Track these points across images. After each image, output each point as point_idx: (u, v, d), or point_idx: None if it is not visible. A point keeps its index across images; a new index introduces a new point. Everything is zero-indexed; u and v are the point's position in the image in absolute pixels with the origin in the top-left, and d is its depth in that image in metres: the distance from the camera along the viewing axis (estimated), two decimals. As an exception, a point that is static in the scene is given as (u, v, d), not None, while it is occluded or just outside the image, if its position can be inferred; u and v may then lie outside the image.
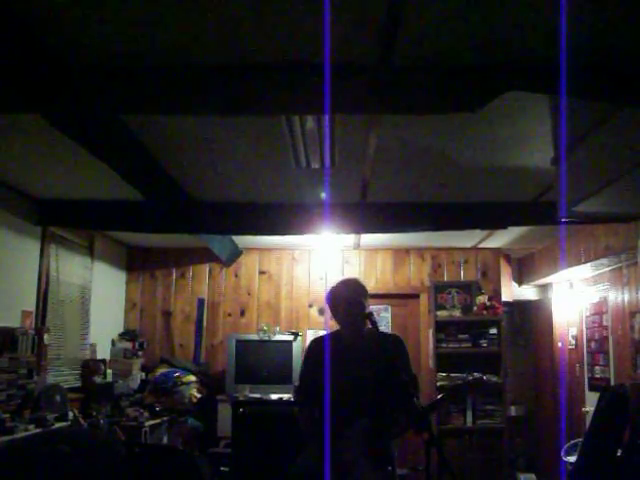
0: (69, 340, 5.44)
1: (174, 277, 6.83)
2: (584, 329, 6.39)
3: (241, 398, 5.92)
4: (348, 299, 2.90)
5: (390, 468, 2.81)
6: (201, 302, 6.62)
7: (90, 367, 5.57)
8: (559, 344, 6.98)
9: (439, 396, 2.96)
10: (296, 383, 3.19)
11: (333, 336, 3.01)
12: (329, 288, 3.04)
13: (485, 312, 6.39)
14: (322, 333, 3.19)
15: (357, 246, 6.62)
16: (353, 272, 6.64)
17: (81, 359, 5.60)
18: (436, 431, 5.69)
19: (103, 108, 2.72)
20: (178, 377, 6.00)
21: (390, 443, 2.87)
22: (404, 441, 5.82)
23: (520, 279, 7.49)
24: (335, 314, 2.97)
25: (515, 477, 6.75)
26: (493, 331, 6.34)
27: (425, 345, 6.61)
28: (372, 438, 2.69)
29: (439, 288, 6.60)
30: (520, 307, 7.68)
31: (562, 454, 5.25)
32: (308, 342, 3.34)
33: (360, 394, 2.79)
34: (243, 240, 6.30)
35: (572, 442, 5.32)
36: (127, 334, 6.45)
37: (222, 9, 2.12)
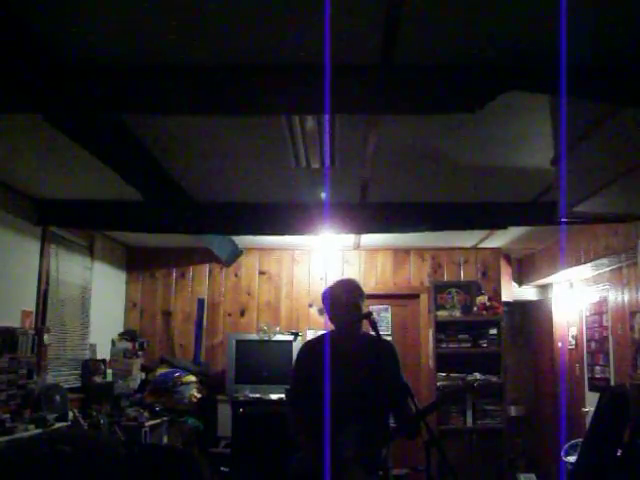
0: (69, 340, 5.45)
1: (174, 277, 6.83)
2: (584, 329, 6.39)
3: (241, 398, 5.92)
4: (345, 300, 2.87)
5: (381, 473, 2.79)
6: (201, 302, 6.61)
7: (90, 367, 5.57)
8: (559, 344, 6.98)
9: (431, 402, 2.96)
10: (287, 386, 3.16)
11: (327, 338, 2.99)
12: (326, 288, 3.01)
13: (485, 312, 6.39)
14: (321, 333, 3.17)
15: (357, 246, 6.62)
16: (353, 272, 6.64)
17: (81, 359, 5.60)
18: (436, 431, 5.69)
19: (103, 108, 2.72)
20: (178, 377, 6.00)
21: (381, 448, 2.85)
22: (404, 442, 5.82)
23: (520, 279, 7.49)
24: (331, 315, 2.93)
25: (515, 477, 6.75)
26: (493, 331, 6.33)
27: (425, 345, 6.61)
28: (363, 443, 2.68)
29: (439, 288, 6.59)
30: (520, 307, 7.68)
31: (562, 454, 5.26)
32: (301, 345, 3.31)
33: (352, 398, 2.77)
34: (243, 240, 6.30)
35: (572, 442, 5.33)
36: (127, 334, 6.45)
37: (222, 9, 2.12)
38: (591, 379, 6.17)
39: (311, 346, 3.03)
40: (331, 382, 2.70)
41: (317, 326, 6.47)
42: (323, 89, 2.37)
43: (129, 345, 6.30)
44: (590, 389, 6.16)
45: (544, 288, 7.48)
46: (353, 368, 2.84)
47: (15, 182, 4.38)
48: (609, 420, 4.21)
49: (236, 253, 6.68)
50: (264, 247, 6.71)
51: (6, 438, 3.79)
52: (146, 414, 5.43)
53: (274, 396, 5.88)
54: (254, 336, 6.37)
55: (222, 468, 5.10)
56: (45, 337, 4.77)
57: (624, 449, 4.04)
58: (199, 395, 6.01)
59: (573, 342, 6.64)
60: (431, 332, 6.40)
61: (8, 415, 4.05)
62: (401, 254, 6.82)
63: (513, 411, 7.03)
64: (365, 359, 2.87)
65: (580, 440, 4.93)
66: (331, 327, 3.00)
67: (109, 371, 5.88)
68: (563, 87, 2.27)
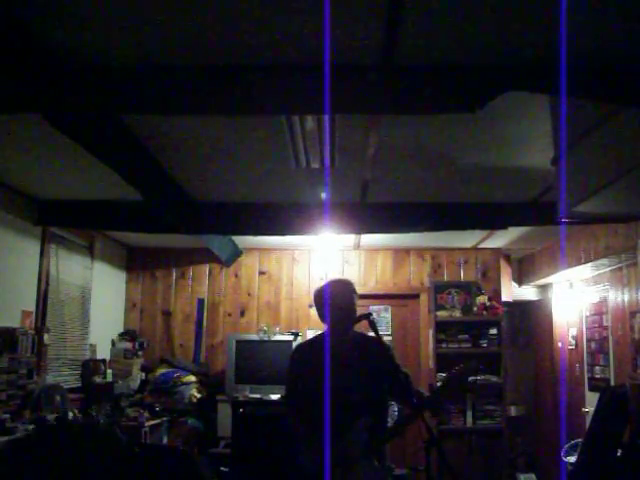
0: (69, 340, 5.45)
1: (174, 277, 6.83)
2: (584, 329, 6.39)
3: (241, 398, 5.92)
4: (340, 301, 2.86)
5: (389, 465, 2.81)
6: (201, 302, 6.62)
7: (90, 367, 5.57)
8: (559, 344, 6.98)
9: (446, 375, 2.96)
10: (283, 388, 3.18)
11: (318, 340, 2.99)
12: (319, 287, 2.99)
13: (485, 312, 6.39)
14: (314, 335, 3.17)
15: (357, 246, 6.62)
16: (353, 272, 6.64)
17: (81, 359, 5.60)
18: (436, 431, 5.69)
19: (103, 108, 2.72)
20: (178, 377, 6.00)
21: (385, 443, 2.86)
22: (404, 441, 5.82)
23: (520, 279, 7.49)
24: (325, 315, 2.91)
25: (515, 477, 6.75)
26: (493, 331, 6.34)
27: (425, 345, 6.61)
28: (370, 439, 2.68)
29: (439, 288, 6.59)
30: (520, 307, 7.69)
31: (562, 454, 5.26)
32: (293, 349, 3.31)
33: (350, 398, 2.76)
34: (243, 240, 6.30)
35: (572, 442, 5.33)
36: (127, 334, 6.45)
37: (222, 9, 2.12)
38: (591, 379, 6.17)
39: (305, 348, 3.04)
40: (330, 382, 2.71)
41: (317, 326, 6.46)
42: (323, 89, 2.37)
43: (129, 345, 6.30)
44: (590, 389, 6.17)
45: (544, 288, 7.48)
46: (349, 367, 2.84)
47: (15, 182, 4.38)
48: (609, 420, 4.21)
49: (236, 253, 6.68)
50: (264, 247, 6.71)
51: (6, 438, 3.79)
52: (146, 414, 5.43)
53: (274, 396, 5.88)
54: (254, 336, 6.37)
55: (222, 468, 5.11)
56: (45, 337, 4.77)
57: (624, 449, 4.05)
58: (199, 395, 6.01)
59: (573, 342, 6.64)
60: (431, 332, 6.40)
61: (8, 415, 4.05)
62: (401, 254, 6.82)
63: (513, 411, 7.03)
64: (360, 358, 2.88)
65: (580, 440, 4.93)
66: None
67: (109, 371, 5.89)
68: (563, 87, 2.27)
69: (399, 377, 2.82)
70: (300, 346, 3.16)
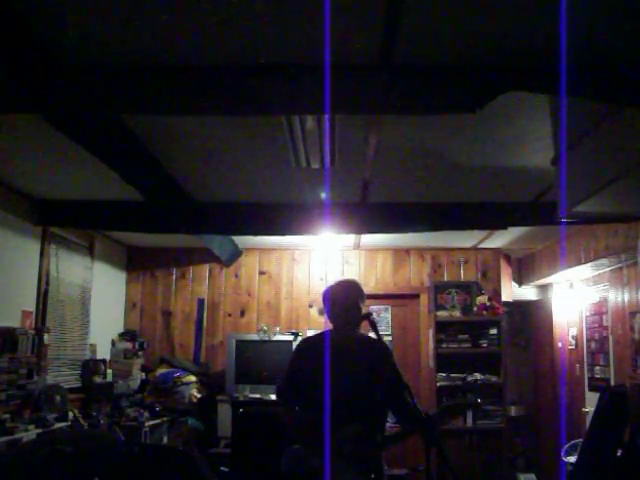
0: (69, 340, 5.45)
1: (174, 277, 6.83)
2: (584, 329, 6.39)
3: (241, 398, 5.92)
4: (345, 301, 2.87)
5: (373, 476, 2.79)
6: (201, 302, 6.62)
7: (90, 367, 5.57)
8: (559, 344, 6.98)
9: (437, 410, 2.97)
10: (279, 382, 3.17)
11: (324, 337, 2.99)
12: (326, 287, 3.02)
13: (485, 312, 6.39)
14: (320, 331, 3.17)
15: (357, 246, 6.62)
16: (353, 272, 6.64)
17: (81, 359, 5.60)
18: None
19: (103, 108, 2.72)
20: (178, 377, 6.00)
21: (380, 450, 2.85)
22: (404, 441, 5.82)
23: (520, 279, 7.49)
24: (330, 315, 2.93)
25: (515, 477, 6.75)
26: (493, 331, 6.34)
27: (425, 345, 6.61)
28: (360, 443, 2.67)
29: (439, 288, 6.60)
30: (520, 307, 7.68)
31: (562, 454, 5.26)
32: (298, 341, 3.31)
33: (348, 398, 2.76)
34: (243, 240, 6.30)
35: (572, 442, 5.32)
36: (127, 334, 6.45)
37: (222, 9, 2.12)
38: (591, 379, 6.17)
39: (310, 343, 3.03)
40: (330, 381, 2.70)
41: (317, 326, 6.47)
42: (323, 89, 2.37)
43: (129, 345, 6.30)
44: (590, 389, 6.17)
45: (544, 288, 7.48)
46: (350, 368, 2.84)
47: (15, 182, 4.38)
48: (609, 420, 4.21)
49: (236, 253, 6.68)
50: (264, 247, 6.71)
51: (6, 438, 3.79)
52: (146, 414, 5.43)
53: (274, 396, 5.87)
54: (254, 336, 6.37)
55: (222, 468, 5.10)
56: (45, 337, 4.77)
57: (624, 449, 4.04)
58: (199, 395, 6.01)
59: (573, 342, 6.64)
60: (431, 332, 6.40)
61: (8, 415, 4.05)
62: (401, 254, 6.82)
63: (513, 411, 7.03)
64: (362, 360, 2.88)
65: (580, 440, 4.93)
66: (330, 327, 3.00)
67: (109, 371, 5.88)
68: (563, 87, 2.28)
69: (397, 385, 2.81)
70: (306, 340, 3.14)
